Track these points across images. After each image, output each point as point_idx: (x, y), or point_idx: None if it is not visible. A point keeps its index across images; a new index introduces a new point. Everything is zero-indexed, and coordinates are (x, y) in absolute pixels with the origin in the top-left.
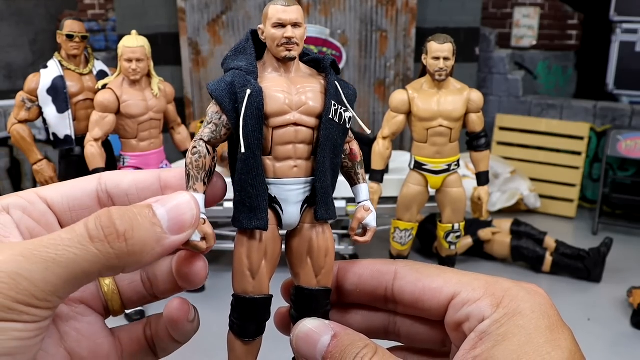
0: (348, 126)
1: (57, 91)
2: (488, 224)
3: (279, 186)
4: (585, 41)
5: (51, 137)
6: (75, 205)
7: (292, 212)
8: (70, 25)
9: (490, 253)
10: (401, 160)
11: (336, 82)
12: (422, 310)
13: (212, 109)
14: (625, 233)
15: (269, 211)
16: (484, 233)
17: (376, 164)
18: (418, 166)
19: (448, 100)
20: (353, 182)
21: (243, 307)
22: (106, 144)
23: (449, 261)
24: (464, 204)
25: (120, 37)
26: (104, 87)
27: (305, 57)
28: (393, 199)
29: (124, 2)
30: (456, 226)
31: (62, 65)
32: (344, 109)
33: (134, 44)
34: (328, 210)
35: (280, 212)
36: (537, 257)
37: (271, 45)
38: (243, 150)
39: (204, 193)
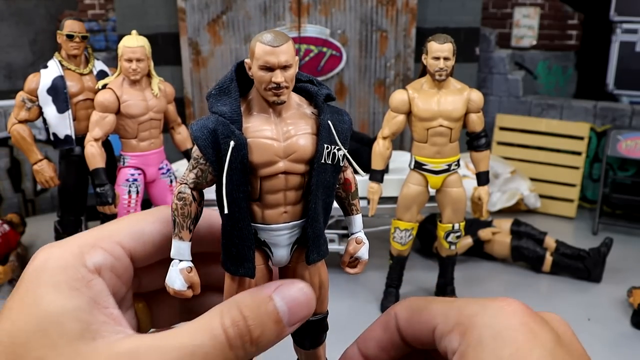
0: (342, 164)
1: (57, 91)
2: (488, 224)
3: (269, 232)
4: (585, 41)
5: (51, 137)
6: (153, 252)
7: (281, 254)
8: (70, 25)
9: (490, 253)
10: (401, 160)
11: (329, 123)
12: (425, 345)
13: (197, 152)
14: (625, 233)
15: (259, 253)
16: (484, 233)
17: (376, 164)
18: (418, 166)
19: (448, 100)
20: (347, 212)
21: None
22: (106, 144)
23: (449, 261)
24: (464, 204)
25: (120, 37)
26: (104, 87)
27: (297, 84)
28: (393, 199)
29: (124, 2)
30: (456, 226)
31: (62, 65)
32: (337, 147)
33: (134, 43)
34: (320, 252)
35: (270, 254)
36: (537, 257)
37: (259, 86)
38: (226, 211)
39: (190, 241)
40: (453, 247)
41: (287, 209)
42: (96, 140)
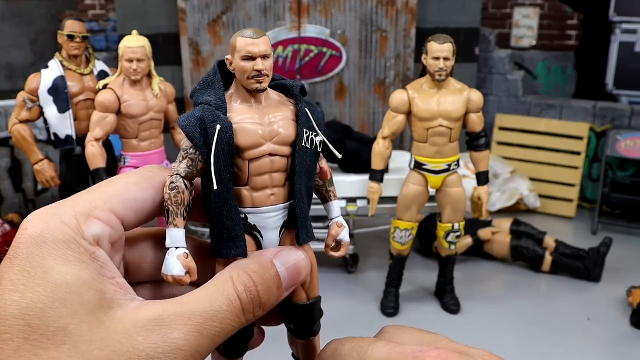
0: (319, 150)
1: (58, 91)
2: (488, 224)
3: (258, 215)
4: (585, 41)
5: (52, 137)
6: (144, 219)
7: (271, 237)
8: (71, 26)
9: (490, 253)
10: (401, 160)
11: (306, 110)
12: None
13: (186, 143)
14: (625, 233)
15: (249, 238)
16: (483, 233)
17: (376, 164)
18: (418, 166)
19: (448, 100)
20: (325, 199)
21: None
22: (107, 144)
23: (448, 261)
24: (464, 204)
25: (121, 38)
26: (104, 87)
27: (272, 82)
28: (393, 199)
29: (125, 2)
30: (456, 226)
31: (63, 66)
32: (314, 134)
33: (134, 44)
34: (308, 233)
35: (260, 238)
36: (537, 256)
37: (241, 77)
38: (215, 187)
39: (184, 228)
40: (453, 247)
41: (274, 191)
42: (97, 140)
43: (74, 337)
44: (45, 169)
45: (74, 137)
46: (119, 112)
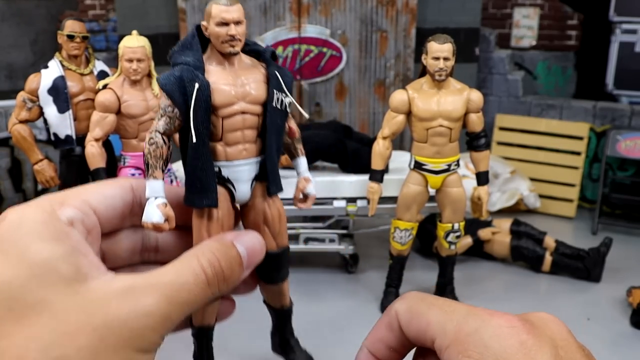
0: (288, 110)
1: (58, 91)
2: (488, 224)
3: (231, 168)
4: (585, 41)
5: (52, 137)
6: (114, 216)
7: (243, 189)
8: (71, 26)
9: (490, 253)
10: (401, 160)
11: (276, 72)
12: (429, 347)
13: (164, 102)
14: (625, 233)
15: (223, 190)
16: (483, 233)
17: (376, 164)
18: (418, 166)
19: (448, 100)
20: (292, 155)
21: None
22: (107, 144)
23: (448, 261)
24: (464, 204)
25: (120, 38)
26: (104, 87)
27: (246, 47)
28: (393, 199)
29: (125, 2)
30: (456, 226)
31: (62, 66)
32: (284, 95)
33: (134, 44)
34: (277, 185)
35: (233, 189)
36: (537, 256)
37: (216, 41)
38: (194, 140)
39: (163, 179)
40: (453, 246)
41: (245, 146)
42: (97, 140)
43: (52, 306)
44: (45, 169)
45: (74, 137)
46: (118, 112)
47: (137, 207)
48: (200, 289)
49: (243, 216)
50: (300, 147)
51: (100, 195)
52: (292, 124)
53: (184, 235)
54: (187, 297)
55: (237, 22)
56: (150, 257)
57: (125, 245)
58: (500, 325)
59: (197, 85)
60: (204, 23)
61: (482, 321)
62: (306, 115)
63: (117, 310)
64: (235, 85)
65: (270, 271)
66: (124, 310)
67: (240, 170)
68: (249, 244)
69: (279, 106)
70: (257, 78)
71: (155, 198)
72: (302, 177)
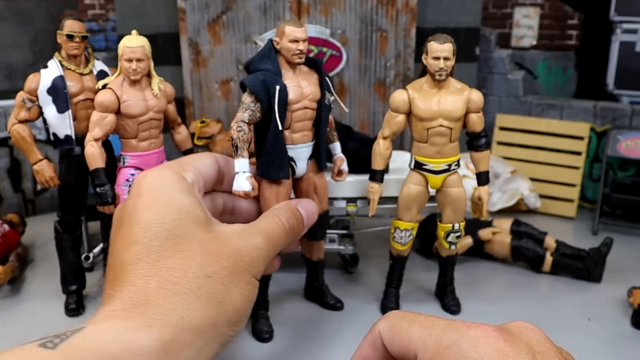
0: (332, 106)
1: (57, 91)
2: (488, 224)
3: (295, 149)
4: (586, 41)
5: (51, 137)
6: (210, 181)
7: (302, 166)
8: (70, 25)
9: (491, 253)
10: (401, 160)
11: (327, 79)
12: None
13: (248, 99)
14: (626, 233)
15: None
16: (484, 233)
17: (376, 164)
18: (418, 166)
19: (448, 100)
20: (330, 141)
21: None
22: (106, 144)
23: (449, 261)
24: (464, 204)
25: (120, 37)
26: (104, 87)
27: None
28: (393, 199)
29: (124, 2)
30: (456, 226)
31: (62, 65)
32: (330, 95)
33: (134, 43)
34: (325, 163)
35: (295, 166)
36: (537, 257)
37: (287, 54)
38: (280, 128)
39: (248, 158)
40: (453, 247)
41: (305, 133)
42: (96, 140)
43: (197, 238)
44: (45, 169)
45: (73, 137)
46: (118, 112)
47: (221, 175)
48: (284, 236)
49: (295, 186)
50: (335, 134)
51: (204, 165)
52: (330, 116)
53: (253, 203)
54: (277, 240)
55: (304, 40)
56: (226, 218)
57: (210, 206)
58: (477, 335)
59: (278, 87)
60: (275, 39)
61: (460, 333)
62: (346, 110)
63: (240, 244)
64: (300, 87)
65: (318, 228)
66: (244, 244)
67: (301, 151)
68: (308, 209)
69: (327, 103)
70: (313, 82)
71: (244, 172)
72: (338, 157)
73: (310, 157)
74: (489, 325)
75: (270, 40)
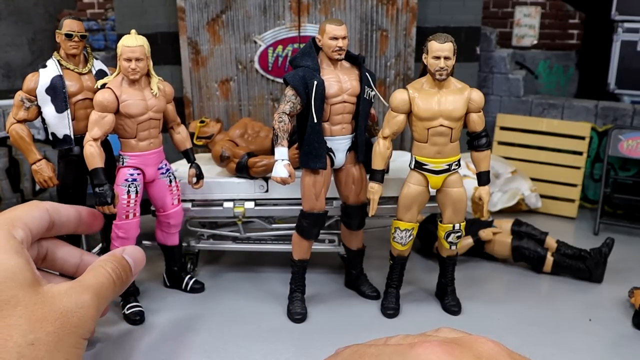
0: (372, 100)
1: (56, 90)
2: (489, 224)
3: (333, 141)
4: (587, 40)
5: (50, 137)
6: (39, 234)
7: (340, 157)
8: (69, 25)
9: (491, 253)
10: (401, 160)
11: (366, 73)
12: None
13: (290, 92)
14: (627, 233)
15: (327, 157)
16: (484, 233)
17: (377, 164)
18: (419, 166)
19: (449, 99)
20: (371, 135)
21: (310, 219)
22: (105, 144)
23: (449, 261)
24: (465, 204)
25: (119, 37)
26: (103, 86)
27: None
28: (393, 199)
29: (123, 1)
30: (457, 226)
31: (61, 65)
32: (370, 90)
33: (133, 43)
34: (363, 156)
35: (334, 157)
36: (538, 257)
37: (327, 50)
38: (315, 121)
39: (287, 147)
40: (454, 247)
41: (344, 126)
42: (95, 140)
43: (23, 301)
44: (43, 169)
45: (72, 136)
46: (117, 112)
47: (51, 225)
48: (112, 287)
49: (336, 177)
50: (378, 127)
51: (34, 220)
52: (373, 111)
53: (60, 245)
54: (106, 292)
55: (344, 38)
56: (38, 264)
57: (34, 255)
58: (419, 354)
59: (315, 83)
60: (317, 36)
61: (404, 356)
62: (386, 104)
63: (67, 304)
64: (340, 82)
65: (354, 219)
66: (72, 305)
67: (340, 143)
68: (134, 255)
69: (367, 97)
70: (353, 77)
71: (282, 160)
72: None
73: (350, 149)
74: (434, 341)
75: (312, 39)
